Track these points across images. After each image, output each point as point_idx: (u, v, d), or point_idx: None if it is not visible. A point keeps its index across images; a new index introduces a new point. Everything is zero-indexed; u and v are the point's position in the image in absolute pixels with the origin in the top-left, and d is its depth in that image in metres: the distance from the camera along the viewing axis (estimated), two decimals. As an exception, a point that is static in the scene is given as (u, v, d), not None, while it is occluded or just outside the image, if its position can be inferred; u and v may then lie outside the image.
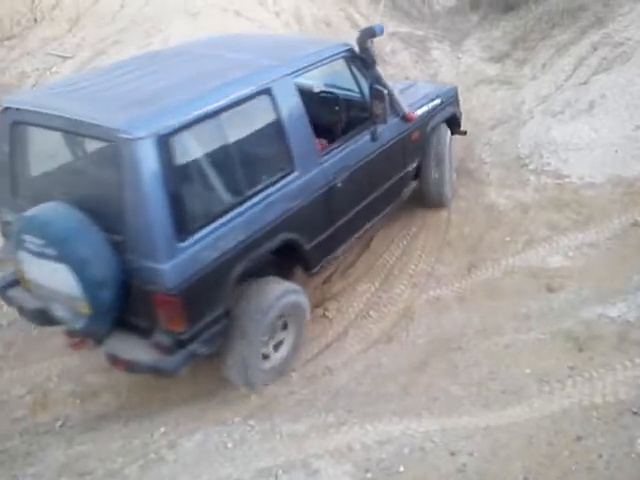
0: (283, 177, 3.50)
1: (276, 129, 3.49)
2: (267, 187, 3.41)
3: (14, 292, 3.53)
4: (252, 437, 3.04)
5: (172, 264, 2.93)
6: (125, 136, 2.85)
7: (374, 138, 4.09)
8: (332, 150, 3.86)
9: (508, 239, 4.55)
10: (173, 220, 2.93)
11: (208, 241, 3.08)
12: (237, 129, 3.37)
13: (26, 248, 3.04)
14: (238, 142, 3.36)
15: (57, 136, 3.40)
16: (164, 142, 2.91)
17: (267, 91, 3.43)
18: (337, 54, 3.98)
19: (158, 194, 2.89)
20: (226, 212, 3.20)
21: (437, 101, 4.76)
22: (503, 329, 3.69)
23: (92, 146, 3.39)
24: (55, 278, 3.00)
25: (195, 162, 3.17)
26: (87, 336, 3.26)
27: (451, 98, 5.02)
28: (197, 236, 3.04)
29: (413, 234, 4.95)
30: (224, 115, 3.23)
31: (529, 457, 2.59)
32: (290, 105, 3.56)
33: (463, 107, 6.71)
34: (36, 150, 3.52)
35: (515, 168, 5.20)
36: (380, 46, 8.29)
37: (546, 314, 3.71)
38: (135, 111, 3.03)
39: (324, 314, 4.38)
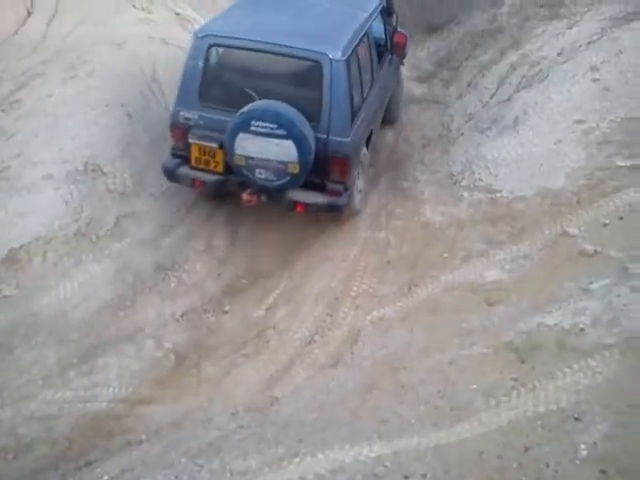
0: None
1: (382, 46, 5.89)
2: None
3: (180, 170, 5.01)
4: (201, 477, 2.94)
5: (349, 139, 4.76)
6: (331, 57, 4.61)
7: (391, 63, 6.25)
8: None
9: (446, 255, 4.62)
10: (350, 111, 4.78)
11: (358, 124, 4.95)
12: (365, 54, 5.30)
13: (252, 131, 4.52)
14: (366, 59, 5.34)
15: (256, 57, 4.78)
16: (347, 63, 4.72)
17: (368, 32, 5.41)
18: (380, 6, 5.96)
19: (346, 95, 4.70)
20: (361, 105, 5.08)
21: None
22: (446, 346, 3.72)
23: (293, 64, 4.76)
24: (273, 151, 4.55)
25: (355, 75, 4.92)
26: (277, 191, 4.77)
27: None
28: (356, 121, 4.90)
29: (354, 256, 4.96)
30: (362, 46, 5.17)
31: (480, 473, 2.61)
32: (380, 31, 5.93)
33: (395, 128, 6.94)
34: (232, 67, 5.06)
35: (448, 185, 5.31)
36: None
37: (487, 328, 3.77)
38: (326, 43, 4.73)
39: (267, 343, 4.34)
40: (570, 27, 6.59)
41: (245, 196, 4.85)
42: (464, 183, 5.25)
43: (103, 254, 4.87)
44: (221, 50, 4.93)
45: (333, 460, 2.84)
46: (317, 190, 4.81)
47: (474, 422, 2.98)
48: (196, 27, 8.09)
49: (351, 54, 4.82)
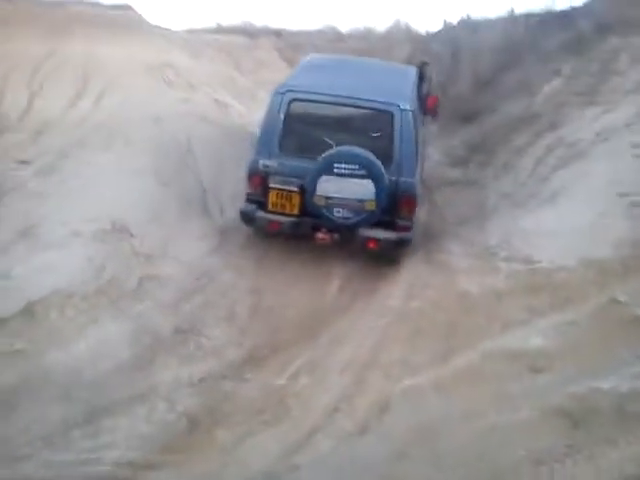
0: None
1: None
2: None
3: (257, 214, 5.38)
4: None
5: (416, 179, 5.35)
6: (402, 107, 5.29)
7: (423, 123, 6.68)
8: None
9: (484, 324, 4.30)
10: (416, 155, 5.42)
11: (419, 168, 5.59)
12: (417, 111, 5.87)
13: (334, 173, 5.03)
14: (418, 115, 5.92)
15: (332, 109, 5.39)
16: (413, 113, 5.39)
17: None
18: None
19: (413, 141, 5.32)
20: (418, 152, 5.58)
21: None
22: (487, 412, 3.36)
23: (367, 114, 5.39)
24: (353, 190, 5.05)
25: (415, 125, 5.44)
26: (352, 229, 5.21)
27: None
28: (418, 165, 5.52)
29: (384, 325, 4.67)
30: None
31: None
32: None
33: (429, 207, 6.83)
34: (310, 118, 5.50)
35: (485, 257, 5.07)
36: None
37: (532, 394, 3.41)
38: (394, 97, 5.43)
39: (288, 410, 3.99)
40: (607, 112, 6.54)
41: (319, 235, 5.29)
42: (501, 255, 5.00)
43: (123, 314, 4.68)
44: (300, 104, 5.40)
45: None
46: (385, 228, 5.28)
47: (522, 490, 2.58)
48: (232, 111, 8.47)
49: (414, 107, 5.57)
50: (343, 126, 5.46)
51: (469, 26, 10.64)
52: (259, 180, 5.37)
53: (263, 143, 5.42)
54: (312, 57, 6.74)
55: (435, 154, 8.18)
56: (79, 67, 8.40)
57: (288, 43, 12.56)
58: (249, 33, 12.37)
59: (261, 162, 5.35)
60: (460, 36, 10.45)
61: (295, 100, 5.35)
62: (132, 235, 5.24)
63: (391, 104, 5.31)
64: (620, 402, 3.03)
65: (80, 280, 4.66)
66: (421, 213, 6.70)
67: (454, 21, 11.41)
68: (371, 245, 5.27)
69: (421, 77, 6.73)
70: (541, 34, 9.17)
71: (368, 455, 3.29)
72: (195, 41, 11.37)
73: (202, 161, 6.55)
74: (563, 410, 3.10)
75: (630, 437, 2.77)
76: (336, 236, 5.29)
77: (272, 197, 5.30)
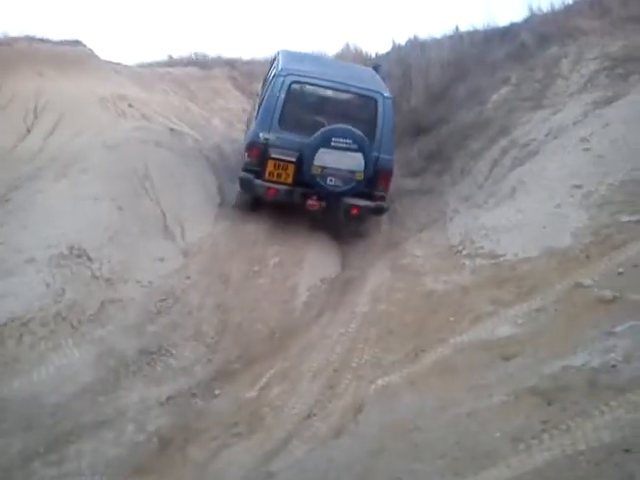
0: None
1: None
2: None
3: (256, 181, 6.03)
4: None
5: (393, 157, 6.12)
6: (385, 95, 6.11)
7: None
8: None
9: (452, 319, 4.29)
10: (394, 136, 6.18)
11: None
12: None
13: (332, 146, 5.76)
14: None
15: (325, 92, 6.19)
16: (391, 101, 6.13)
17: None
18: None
19: (392, 124, 6.11)
20: None
21: None
22: (462, 401, 3.31)
23: (355, 99, 6.25)
24: (346, 162, 5.79)
25: (393, 111, 6.19)
26: (338, 197, 5.95)
27: None
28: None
29: (353, 330, 4.61)
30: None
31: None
32: None
33: (389, 217, 6.85)
34: (306, 99, 6.23)
35: (448, 256, 5.09)
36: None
37: (505, 379, 3.38)
38: (376, 86, 6.32)
39: (261, 421, 3.88)
40: (554, 113, 6.71)
41: (310, 202, 5.99)
42: (465, 252, 5.02)
43: (84, 338, 4.52)
44: (299, 86, 6.14)
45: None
46: (364, 198, 6.04)
47: (503, 467, 2.55)
48: (187, 138, 8.44)
49: (392, 96, 6.32)
50: (334, 107, 6.20)
51: (417, 45, 10.90)
52: (257, 151, 6.02)
53: (263, 119, 6.08)
54: (285, 51, 7.09)
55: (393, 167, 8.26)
56: (29, 101, 8.27)
57: (241, 72, 12.68)
58: (202, 64, 12.43)
59: (261, 135, 5.99)
60: (409, 55, 10.68)
61: (295, 82, 6.09)
62: (91, 259, 5.09)
63: (376, 92, 6.17)
64: (592, 376, 3.02)
65: (38, 306, 4.49)
66: (382, 224, 6.75)
67: (402, 41, 11.69)
68: (354, 211, 6.10)
69: (376, 70, 7.61)
70: (486, 48, 9.44)
71: (345, 455, 3.20)
72: (148, 74, 11.36)
73: (160, 185, 6.46)
74: (537, 390, 3.07)
75: (604, 407, 2.75)
76: (324, 204, 6.01)
77: (270, 166, 5.98)
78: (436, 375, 3.77)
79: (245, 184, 6.14)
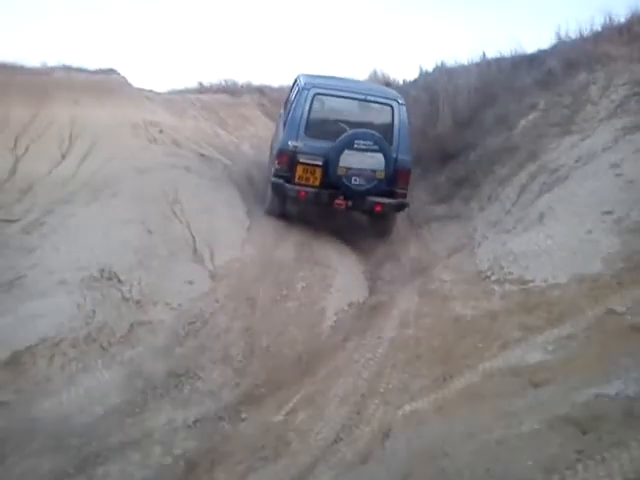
0: None
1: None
2: None
3: (287, 185, 6.73)
4: None
5: (411, 157, 6.84)
6: (400, 102, 6.91)
7: None
8: None
9: (481, 345, 4.22)
10: (409, 138, 6.85)
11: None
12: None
13: (355, 148, 6.37)
14: None
15: (346, 102, 6.98)
16: (405, 107, 6.90)
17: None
18: None
19: (407, 127, 6.85)
20: None
21: None
22: (491, 428, 3.24)
23: (373, 107, 7.00)
24: (368, 162, 6.40)
25: (408, 116, 7.01)
26: (363, 195, 6.60)
27: None
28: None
29: (381, 355, 4.58)
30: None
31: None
32: None
33: (418, 242, 6.84)
34: (329, 109, 7.01)
35: (477, 282, 5.04)
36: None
37: (536, 407, 3.30)
38: (391, 95, 7.23)
39: (288, 445, 3.86)
40: (584, 139, 6.67)
41: (337, 201, 6.66)
42: (494, 278, 4.97)
43: (114, 360, 4.58)
44: (322, 97, 6.93)
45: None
46: (387, 196, 6.71)
47: (535, 497, 2.47)
48: (217, 164, 8.57)
49: (406, 104, 7.11)
50: (354, 115, 6.93)
51: (444, 72, 10.98)
52: (287, 158, 6.70)
53: (291, 128, 6.82)
54: (304, 74, 7.70)
55: (422, 194, 8.28)
56: (64, 129, 8.53)
57: (270, 99, 12.88)
58: (231, 91, 12.68)
59: (290, 143, 6.70)
60: (436, 81, 10.76)
61: (318, 94, 6.86)
62: (121, 281, 5.17)
63: (392, 99, 7.01)
64: (628, 405, 2.93)
65: (69, 327, 4.57)
66: (410, 249, 6.74)
67: (429, 68, 11.77)
68: (378, 208, 6.75)
69: None
70: (514, 74, 9.46)
71: (372, 481, 3.16)
72: (179, 101, 11.63)
73: (189, 209, 6.57)
74: (570, 419, 3.00)
75: (641, 438, 2.68)
76: (350, 203, 6.67)
77: (299, 171, 6.65)
78: (464, 401, 3.71)
79: (277, 188, 6.79)
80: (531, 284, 4.68)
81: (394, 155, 6.58)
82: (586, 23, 9.14)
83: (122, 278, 5.21)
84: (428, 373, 4.15)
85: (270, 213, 7.24)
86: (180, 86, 12.89)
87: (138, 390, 4.40)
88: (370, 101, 6.96)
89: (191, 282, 5.63)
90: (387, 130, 6.72)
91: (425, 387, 4.00)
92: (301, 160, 6.61)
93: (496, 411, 3.42)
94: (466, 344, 4.31)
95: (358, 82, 8.17)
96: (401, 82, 12.62)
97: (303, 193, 6.68)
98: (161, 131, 9.18)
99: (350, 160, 6.40)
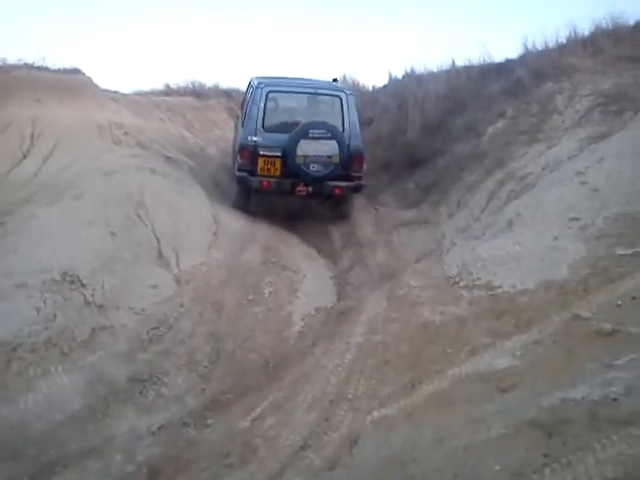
0: None
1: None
2: None
3: (251, 178, 7.28)
4: None
5: (362, 143, 7.40)
6: (347, 93, 7.57)
7: None
8: None
9: (449, 351, 4.21)
10: (359, 125, 7.47)
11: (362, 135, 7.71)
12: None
13: (310, 136, 6.96)
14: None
15: (296, 97, 7.79)
16: (353, 98, 7.53)
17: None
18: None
19: (356, 116, 7.44)
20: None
21: None
22: (459, 433, 3.22)
23: (322, 99, 7.76)
24: (323, 149, 6.94)
25: (355, 106, 7.66)
26: (322, 181, 7.14)
27: None
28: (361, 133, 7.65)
29: (348, 361, 4.53)
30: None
31: None
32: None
33: (386, 247, 6.84)
34: (282, 105, 7.73)
35: (445, 287, 5.04)
36: (295, 203, 8.51)
37: (503, 412, 3.29)
38: (338, 88, 7.85)
39: (254, 452, 3.78)
40: (550, 147, 6.77)
41: (298, 188, 7.18)
42: (462, 284, 4.97)
43: (75, 365, 4.45)
44: (274, 94, 7.57)
45: None
46: (344, 180, 7.25)
47: (503, 502, 2.45)
48: (183, 166, 8.46)
49: (353, 94, 7.85)
50: (306, 109, 7.69)
51: (414, 78, 11.04)
52: (248, 153, 7.27)
53: (249, 125, 7.38)
54: (257, 77, 8.21)
55: (390, 199, 8.30)
56: (25, 128, 8.29)
57: (238, 103, 12.74)
58: (199, 93, 12.55)
59: (250, 138, 7.26)
60: (406, 88, 10.82)
61: (271, 91, 7.48)
62: (83, 285, 5.03)
63: (340, 91, 7.69)
64: (592, 409, 2.95)
65: (27, 331, 4.42)
66: (378, 254, 6.73)
67: (399, 74, 11.84)
68: (337, 191, 7.33)
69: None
70: (482, 82, 9.56)
71: (340, 488, 3.11)
72: (144, 102, 11.45)
73: (154, 212, 6.43)
74: (536, 423, 3.00)
75: (605, 441, 2.69)
76: (310, 188, 7.20)
77: (261, 163, 7.18)
78: (433, 407, 3.69)
79: (241, 181, 7.37)
80: (499, 290, 4.70)
81: (347, 142, 7.18)
82: (552, 35, 9.31)
83: (85, 282, 5.06)
84: (397, 379, 4.12)
85: (236, 207, 7.67)
86: (146, 87, 12.70)
87: (100, 396, 4.29)
88: (320, 94, 7.70)
89: (155, 286, 5.51)
90: (338, 119, 7.35)
91: (394, 393, 3.97)
92: (261, 153, 7.17)
93: (465, 417, 3.41)
94: (434, 350, 4.29)
95: (308, 79, 8.45)
96: (370, 88, 12.65)
97: (266, 183, 7.19)
98: (126, 133, 8.98)
99: (306, 148, 6.97)
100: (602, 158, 5.80)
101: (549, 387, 3.36)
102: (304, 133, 7.00)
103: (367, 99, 12.12)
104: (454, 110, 8.99)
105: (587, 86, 7.65)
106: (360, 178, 7.37)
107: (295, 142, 6.99)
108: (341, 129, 7.25)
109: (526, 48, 9.74)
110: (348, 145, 7.17)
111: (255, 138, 7.25)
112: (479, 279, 4.94)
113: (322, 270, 6.50)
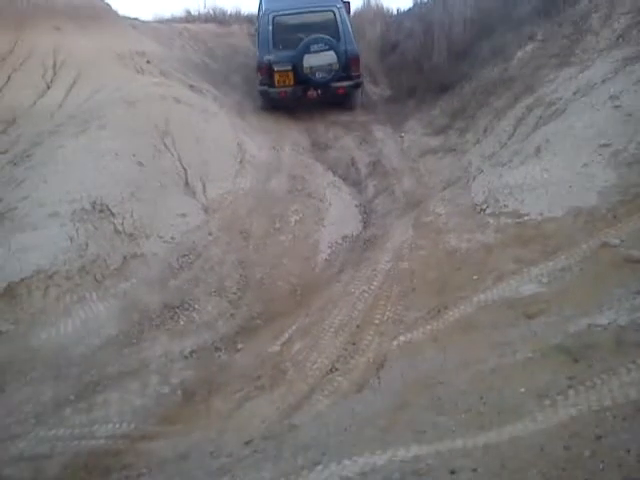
0: None
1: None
2: None
3: (270, 90, 8.69)
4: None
5: (356, 46, 8.87)
6: (338, 7, 8.98)
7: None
8: None
9: (476, 277, 4.24)
10: (352, 32, 8.93)
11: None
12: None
13: (311, 51, 8.28)
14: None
15: (296, 17, 8.87)
16: (344, 9, 9.16)
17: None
18: None
19: (348, 24, 8.91)
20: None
21: None
22: (485, 357, 3.29)
23: (318, 15, 8.91)
24: (324, 59, 8.28)
25: (348, 16, 9.36)
26: (327, 84, 8.50)
27: None
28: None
29: (375, 287, 4.60)
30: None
31: (545, 463, 2.16)
32: None
33: (412, 175, 6.79)
34: (286, 25, 8.81)
35: (472, 214, 5.02)
36: (321, 132, 8.43)
37: (529, 337, 3.35)
38: (332, 2, 9.04)
39: (284, 375, 3.92)
40: (582, 71, 6.51)
41: (309, 93, 8.58)
42: (489, 211, 4.95)
43: (108, 292, 4.59)
44: (279, 17, 8.86)
45: (363, 464, 2.39)
46: (345, 80, 8.58)
47: (527, 422, 2.54)
48: (207, 95, 8.37)
49: (343, 5, 9.29)
50: (307, 25, 8.72)
51: (439, 1, 10.59)
52: (265, 69, 8.61)
53: (262, 46, 8.84)
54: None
55: (416, 126, 8.16)
56: (47, 57, 8.20)
57: (259, 28, 12.44)
58: (220, 20, 12.25)
59: (265, 57, 8.67)
60: (431, 12, 10.44)
61: (276, 16, 8.83)
62: (113, 214, 5.12)
63: (332, 5, 8.98)
64: (619, 334, 2.98)
65: (62, 259, 4.54)
66: (404, 182, 6.69)
67: (424, -2, 11.40)
68: (340, 91, 8.68)
69: None
70: (511, 3, 9.17)
71: (368, 409, 3.22)
72: (165, 30, 11.23)
73: (180, 141, 6.43)
74: (562, 348, 3.05)
75: (630, 365, 2.72)
76: (319, 91, 8.57)
77: (277, 77, 8.54)
78: (459, 332, 3.76)
79: (263, 94, 8.81)
80: (526, 217, 4.67)
81: (343, 48, 8.48)
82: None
83: (114, 211, 5.15)
84: (423, 305, 4.18)
85: (262, 108, 9.08)
86: (167, 14, 12.41)
87: (134, 322, 4.44)
88: (316, 11, 8.95)
89: (184, 215, 5.59)
90: (333, 30, 8.66)
91: (420, 318, 4.04)
92: (275, 69, 8.50)
93: (490, 341, 3.48)
94: (461, 276, 4.33)
95: None
96: (395, 12, 12.21)
97: (283, 93, 8.60)
98: (148, 61, 8.86)
99: (311, 61, 8.33)
100: (638, 80, 5.59)
101: (576, 313, 3.39)
102: (307, 48, 8.32)
103: (391, 23, 11.76)
104: (481, 34, 8.68)
105: (626, 2, 7.27)
106: (358, 77, 8.73)
107: (301, 57, 8.33)
108: (337, 38, 8.52)
109: (560, -36, 9.23)
110: (345, 51, 8.48)
111: (269, 57, 8.61)
112: (506, 206, 4.90)
113: (348, 198, 6.50)
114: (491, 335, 3.56)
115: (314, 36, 8.37)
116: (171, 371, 4.08)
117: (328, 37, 8.38)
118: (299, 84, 8.53)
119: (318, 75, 8.39)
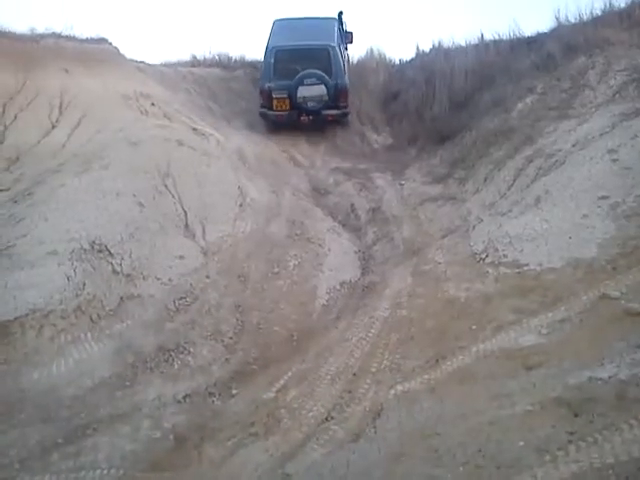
0: None
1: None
2: None
3: (269, 112, 9.94)
4: None
5: (347, 81, 10.15)
6: (332, 45, 10.12)
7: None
8: None
9: (474, 327, 4.21)
10: (343, 68, 10.19)
11: (347, 74, 10.42)
12: (341, 44, 10.86)
13: (305, 83, 9.65)
14: (342, 47, 10.94)
15: (295, 52, 10.04)
16: (339, 48, 10.29)
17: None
18: (337, 20, 11.48)
19: (340, 62, 10.13)
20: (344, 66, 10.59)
21: None
22: (483, 409, 3.25)
23: (314, 52, 10.01)
24: (315, 92, 9.67)
25: (341, 53, 10.43)
26: (318, 112, 9.81)
27: None
28: (345, 73, 10.33)
29: (373, 335, 4.56)
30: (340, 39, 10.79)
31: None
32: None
33: (411, 223, 6.81)
34: (286, 58, 9.93)
35: (471, 264, 5.02)
36: (321, 178, 8.49)
37: (528, 389, 3.31)
38: (328, 40, 10.29)
39: (278, 422, 3.84)
40: (581, 124, 6.62)
41: (302, 117, 9.77)
42: (488, 260, 4.96)
43: (103, 333, 4.54)
44: (280, 52, 10.02)
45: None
46: (334, 109, 9.82)
47: (527, 477, 2.49)
48: (210, 139, 8.46)
49: (339, 44, 10.36)
50: (304, 59, 9.83)
51: (441, 52, 10.87)
52: (266, 94, 9.86)
53: (265, 74, 10.05)
54: (278, 23, 10.93)
55: (416, 174, 8.23)
56: (54, 98, 8.30)
57: (264, 75, 12.65)
58: (224, 65, 12.46)
59: (266, 85, 9.86)
60: (433, 62, 10.66)
61: (278, 51, 10.02)
62: (111, 254, 5.11)
63: (327, 44, 10.08)
64: (620, 389, 2.95)
65: (58, 298, 4.51)
66: (404, 229, 6.71)
67: (426, 48, 11.66)
68: (330, 118, 9.94)
69: (341, 21, 11.47)
70: (512, 57, 9.39)
71: (363, 459, 3.16)
72: (171, 73, 11.41)
73: (181, 183, 6.47)
74: (562, 401, 3.01)
75: (632, 421, 2.68)
76: (311, 117, 9.80)
77: (275, 102, 9.78)
78: (457, 383, 3.71)
79: (263, 115, 10.11)
80: (526, 267, 4.67)
81: (333, 83, 9.68)
82: (586, 7, 9.09)
83: (113, 251, 5.14)
84: (421, 354, 4.14)
85: (267, 131, 10.21)
86: (173, 59, 12.61)
87: (128, 364, 4.38)
88: (313, 48, 10.07)
89: (182, 257, 5.57)
90: (327, 65, 9.79)
91: (418, 367, 3.99)
92: (274, 95, 9.74)
93: (489, 392, 3.43)
94: (459, 326, 4.30)
95: (310, 27, 10.78)
96: (397, 61, 12.47)
97: (280, 116, 9.88)
98: (153, 104, 8.98)
99: (304, 92, 9.60)
100: (636, 135, 5.69)
101: (576, 365, 3.36)
102: (301, 81, 9.59)
103: (394, 73, 11.99)
104: (482, 85, 8.85)
105: (622, 60, 7.46)
106: (346, 107, 10.01)
107: (295, 88, 9.59)
108: (329, 74, 9.68)
109: (558, 21, 9.54)
110: (335, 85, 9.70)
111: (269, 84, 9.82)
112: (505, 256, 4.91)
113: (347, 244, 6.50)
114: (490, 386, 3.52)
115: (308, 71, 9.64)
116: (163, 415, 4.00)
117: (320, 73, 9.63)
118: (294, 109, 9.76)
119: (310, 104, 9.65)
